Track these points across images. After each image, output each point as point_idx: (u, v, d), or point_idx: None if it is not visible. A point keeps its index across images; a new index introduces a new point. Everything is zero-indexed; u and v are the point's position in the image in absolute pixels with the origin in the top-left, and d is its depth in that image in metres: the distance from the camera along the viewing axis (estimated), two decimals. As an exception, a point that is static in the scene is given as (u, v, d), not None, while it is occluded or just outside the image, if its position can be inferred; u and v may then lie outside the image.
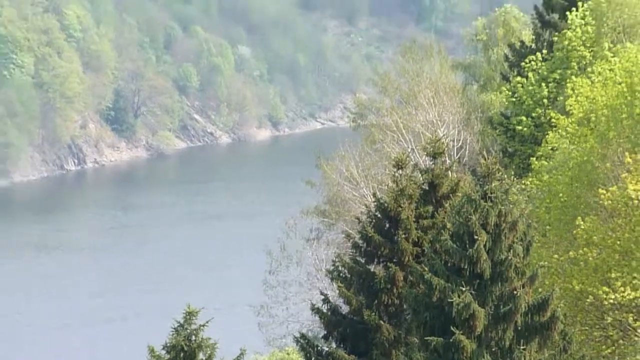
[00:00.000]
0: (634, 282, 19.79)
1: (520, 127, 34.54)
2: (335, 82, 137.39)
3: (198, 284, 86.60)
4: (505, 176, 20.74)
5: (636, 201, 20.21)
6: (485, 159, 19.99)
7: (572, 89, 26.98)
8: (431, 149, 21.00)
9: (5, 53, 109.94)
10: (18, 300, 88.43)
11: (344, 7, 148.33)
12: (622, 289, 19.87)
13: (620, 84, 24.53)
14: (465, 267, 17.91)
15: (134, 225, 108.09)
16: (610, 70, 26.56)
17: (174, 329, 19.01)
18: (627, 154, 21.71)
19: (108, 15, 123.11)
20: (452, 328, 17.40)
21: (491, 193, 18.00)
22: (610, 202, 21.28)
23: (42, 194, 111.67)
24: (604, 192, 21.44)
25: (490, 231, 17.73)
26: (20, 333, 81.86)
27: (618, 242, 20.88)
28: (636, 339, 20.08)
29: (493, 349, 18.02)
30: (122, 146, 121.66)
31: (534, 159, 27.82)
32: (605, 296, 19.98)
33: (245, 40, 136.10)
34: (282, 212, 38.15)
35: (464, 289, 17.56)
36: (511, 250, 17.79)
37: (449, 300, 17.47)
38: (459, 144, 35.41)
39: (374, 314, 19.81)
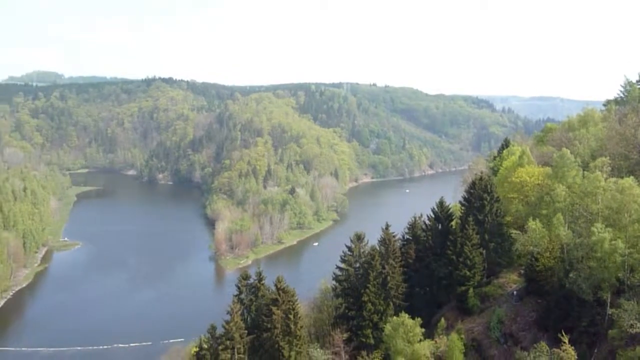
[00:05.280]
0: (525, 198, 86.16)
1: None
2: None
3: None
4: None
5: (517, 180, 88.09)
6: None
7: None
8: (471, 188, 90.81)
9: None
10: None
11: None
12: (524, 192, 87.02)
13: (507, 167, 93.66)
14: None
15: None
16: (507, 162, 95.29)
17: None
18: (512, 176, 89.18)
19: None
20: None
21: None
22: (511, 181, 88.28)
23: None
24: (512, 178, 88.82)
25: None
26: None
27: (519, 189, 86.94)
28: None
29: (479, 237, 79.57)
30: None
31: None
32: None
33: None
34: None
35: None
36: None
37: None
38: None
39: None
